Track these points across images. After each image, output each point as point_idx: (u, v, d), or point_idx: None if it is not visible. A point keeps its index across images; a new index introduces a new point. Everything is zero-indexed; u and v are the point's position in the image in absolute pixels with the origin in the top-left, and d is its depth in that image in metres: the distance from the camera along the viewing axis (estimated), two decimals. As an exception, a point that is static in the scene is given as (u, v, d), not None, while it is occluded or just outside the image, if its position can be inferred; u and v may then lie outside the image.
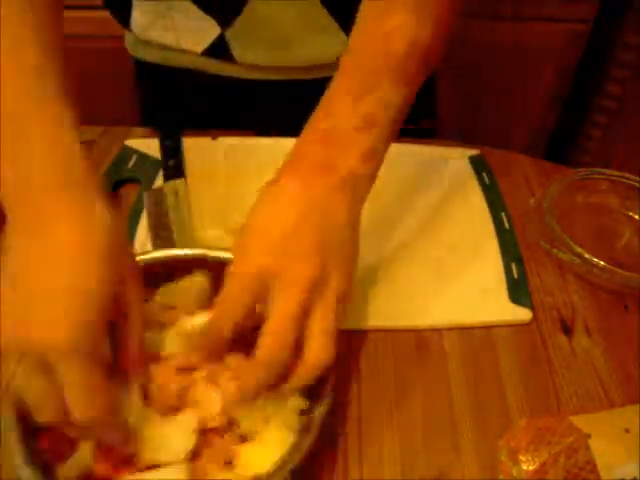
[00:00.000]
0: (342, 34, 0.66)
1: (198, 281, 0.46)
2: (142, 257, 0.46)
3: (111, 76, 1.42)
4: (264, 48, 0.67)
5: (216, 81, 0.71)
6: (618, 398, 0.47)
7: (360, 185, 0.41)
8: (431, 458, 0.43)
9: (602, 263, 0.54)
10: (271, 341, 0.35)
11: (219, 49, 0.66)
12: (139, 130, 0.73)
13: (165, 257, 0.47)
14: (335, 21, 0.65)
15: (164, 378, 0.39)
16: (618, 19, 1.32)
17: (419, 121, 0.68)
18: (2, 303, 0.32)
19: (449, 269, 0.57)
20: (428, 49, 0.42)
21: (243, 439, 0.39)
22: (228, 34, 0.65)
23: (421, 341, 0.51)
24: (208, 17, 0.64)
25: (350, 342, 0.50)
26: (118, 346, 0.37)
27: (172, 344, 0.42)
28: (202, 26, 0.65)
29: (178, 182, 0.62)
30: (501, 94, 1.46)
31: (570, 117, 1.49)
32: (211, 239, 0.58)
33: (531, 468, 0.38)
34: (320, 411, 0.38)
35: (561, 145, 1.55)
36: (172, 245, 0.55)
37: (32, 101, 0.36)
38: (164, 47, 0.69)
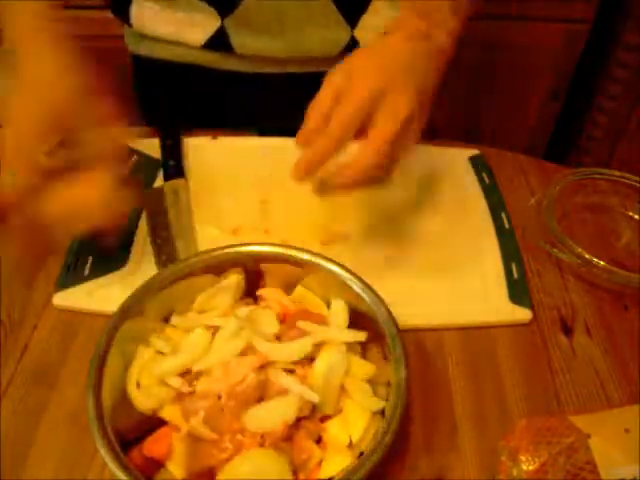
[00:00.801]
0: (347, 27, 0.66)
1: (234, 279, 0.47)
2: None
3: (110, 76, 1.42)
4: (264, 38, 0.66)
5: (216, 75, 0.71)
6: (618, 398, 0.47)
7: (445, 56, 0.50)
8: (431, 458, 0.43)
9: (602, 263, 0.54)
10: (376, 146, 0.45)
11: (219, 41, 0.66)
12: (139, 130, 0.73)
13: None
14: (340, 14, 0.65)
15: (243, 373, 0.41)
16: (618, 19, 1.32)
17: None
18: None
19: (449, 269, 0.57)
20: None
21: (324, 418, 0.42)
22: (228, 24, 0.65)
23: (421, 341, 0.51)
24: (209, 8, 0.64)
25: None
26: None
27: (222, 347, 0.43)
28: (202, 18, 0.65)
29: (178, 182, 0.62)
30: (501, 94, 1.46)
31: (570, 117, 1.49)
32: (210, 238, 0.58)
33: (531, 468, 0.38)
34: (399, 412, 0.39)
35: (561, 145, 1.55)
36: (172, 245, 0.55)
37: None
38: (164, 41, 0.69)
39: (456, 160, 0.69)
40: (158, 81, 0.77)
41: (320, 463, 0.39)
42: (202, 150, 0.69)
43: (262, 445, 0.39)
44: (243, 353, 0.42)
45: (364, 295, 0.45)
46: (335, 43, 0.67)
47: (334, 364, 0.42)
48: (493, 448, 0.43)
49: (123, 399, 0.42)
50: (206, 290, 0.47)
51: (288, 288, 0.48)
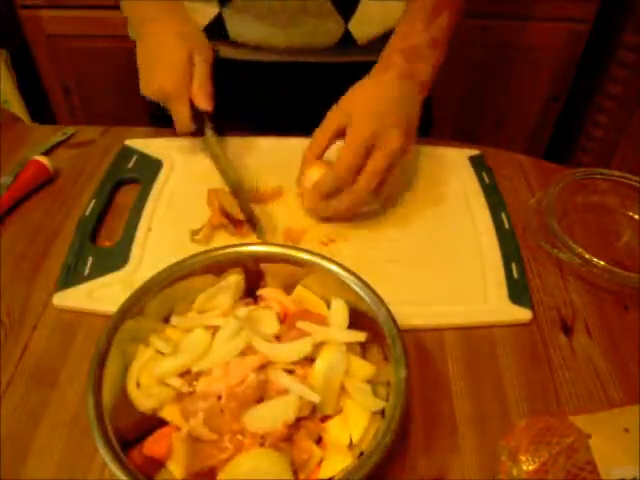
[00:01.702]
0: (341, 20, 0.67)
1: (234, 279, 0.48)
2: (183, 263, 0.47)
3: (111, 75, 1.42)
4: (260, 28, 0.68)
5: (215, 63, 0.72)
6: (618, 398, 0.47)
7: (428, 86, 0.61)
8: (431, 458, 0.43)
9: (602, 263, 0.54)
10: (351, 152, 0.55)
11: (216, 28, 0.68)
12: (139, 130, 0.73)
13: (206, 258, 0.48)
14: (335, 8, 0.66)
15: (243, 373, 0.41)
16: (618, 19, 1.32)
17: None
18: (140, 71, 0.62)
19: (449, 269, 0.57)
20: None
21: (324, 419, 0.42)
22: (226, 12, 0.67)
23: (421, 341, 0.51)
24: None
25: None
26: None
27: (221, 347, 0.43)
28: (202, 5, 0.67)
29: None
30: (501, 94, 1.46)
31: (570, 117, 1.49)
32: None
33: (531, 468, 0.38)
34: (399, 412, 0.39)
35: (561, 145, 1.55)
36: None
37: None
38: None
39: (456, 160, 0.69)
40: None
41: (320, 463, 0.39)
42: (202, 150, 0.69)
43: (262, 445, 0.39)
44: (243, 353, 0.42)
45: (364, 295, 0.45)
46: (330, 35, 0.69)
47: (334, 364, 0.42)
48: (493, 448, 0.43)
49: (123, 399, 0.42)
50: (206, 290, 0.47)
51: (288, 288, 0.48)
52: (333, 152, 0.58)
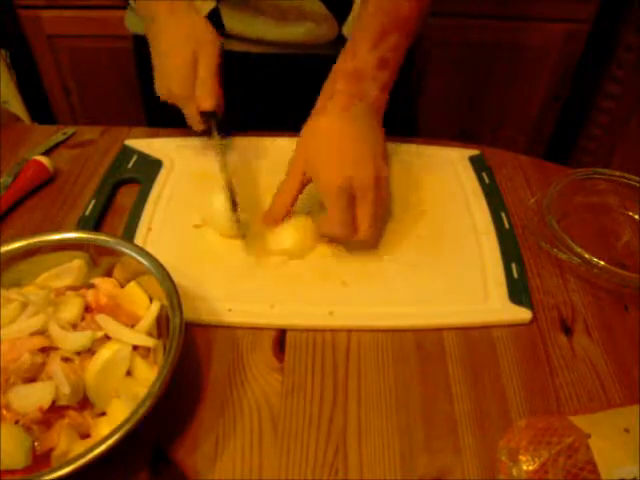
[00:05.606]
0: (334, 22, 0.68)
1: (77, 264, 0.49)
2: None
3: (111, 75, 1.42)
4: (254, 23, 0.69)
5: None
6: (618, 398, 0.47)
7: (381, 109, 0.58)
8: (431, 458, 0.43)
9: (602, 263, 0.54)
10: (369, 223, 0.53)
11: (213, 21, 0.68)
12: (139, 130, 0.73)
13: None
14: (328, 10, 0.67)
15: (20, 351, 0.43)
16: (618, 19, 1.32)
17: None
18: (154, 73, 0.62)
19: (449, 269, 0.57)
20: (424, 14, 0.60)
21: (101, 415, 0.43)
22: (222, 8, 0.68)
23: (421, 341, 0.51)
24: None
25: (350, 342, 0.50)
26: None
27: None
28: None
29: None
30: (501, 94, 1.46)
31: (570, 117, 1.49)
32: (210, 240, 0.58)
33: (531, 468, 0.38)
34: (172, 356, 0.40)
35: (561, 145, 1.55)
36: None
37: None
38: None
39: (456, 160, 0.69)
40: None
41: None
42: (202, 150, 0.69)
43: (16, 423, 0.40)
44: (39, 333, 0.44)
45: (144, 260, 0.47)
46: (325, 36, 0.70)
47: (112, 362, 0.43)
48: (493, 448, 0.43)
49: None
50: (50, 270, 0.49)
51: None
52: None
